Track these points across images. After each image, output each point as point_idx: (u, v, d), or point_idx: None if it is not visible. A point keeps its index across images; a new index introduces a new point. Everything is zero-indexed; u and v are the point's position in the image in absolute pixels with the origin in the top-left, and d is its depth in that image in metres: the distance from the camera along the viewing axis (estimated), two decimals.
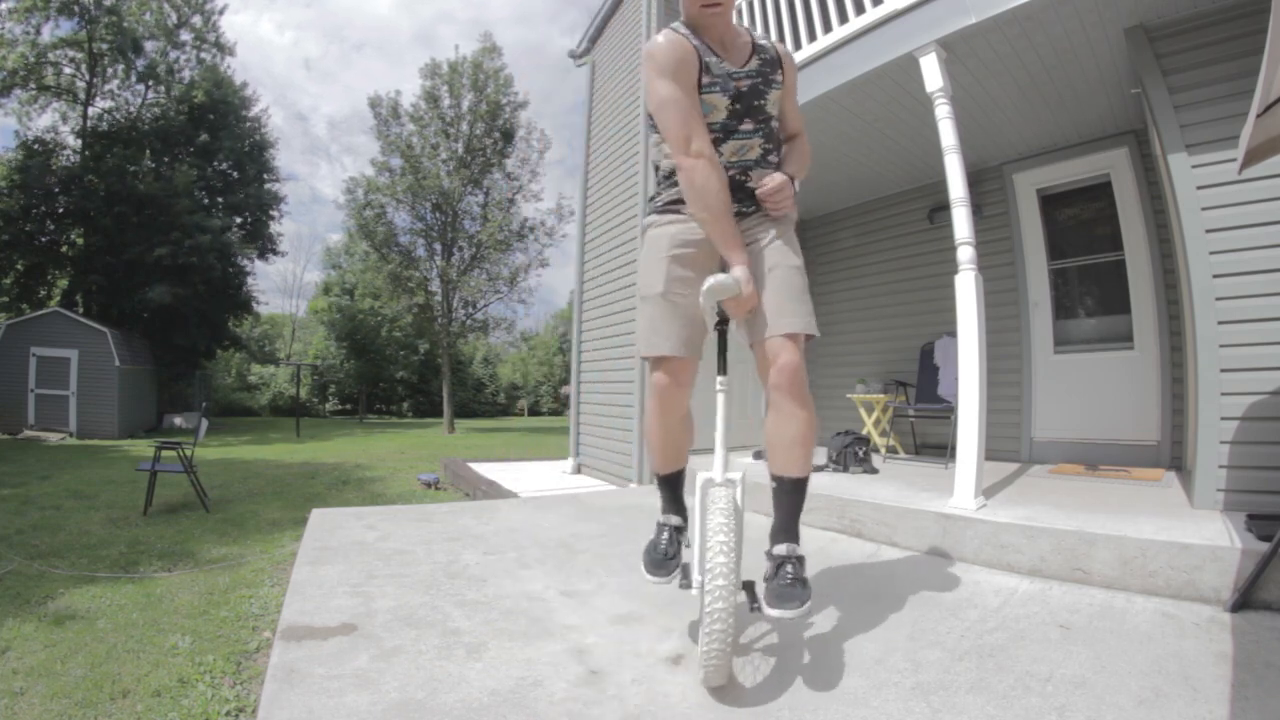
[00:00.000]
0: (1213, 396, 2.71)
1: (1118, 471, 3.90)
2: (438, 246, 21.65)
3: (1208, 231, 2.78)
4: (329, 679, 1.62)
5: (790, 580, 1.61)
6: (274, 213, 24.86)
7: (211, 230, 19.46)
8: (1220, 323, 2.72)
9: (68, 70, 18.85)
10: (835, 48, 3.95)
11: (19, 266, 18.68)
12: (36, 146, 18.50)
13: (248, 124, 23.42)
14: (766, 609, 1.58)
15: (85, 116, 19.24)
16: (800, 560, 1.67)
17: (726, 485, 1.61)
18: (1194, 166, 2.85)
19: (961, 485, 2.93)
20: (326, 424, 25.22)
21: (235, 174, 23.13)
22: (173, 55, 20.84)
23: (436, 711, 1.48)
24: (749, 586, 1.67)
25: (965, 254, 3.06)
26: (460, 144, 21.00)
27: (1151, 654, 1.73)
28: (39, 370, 14.17)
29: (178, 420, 17.28)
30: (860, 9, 3.84)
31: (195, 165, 20.50)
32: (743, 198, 1.83)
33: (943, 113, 3.24)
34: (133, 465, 8.11)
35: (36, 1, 17.12)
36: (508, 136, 21.74)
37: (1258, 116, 1.75)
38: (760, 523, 1.99)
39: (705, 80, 1.75)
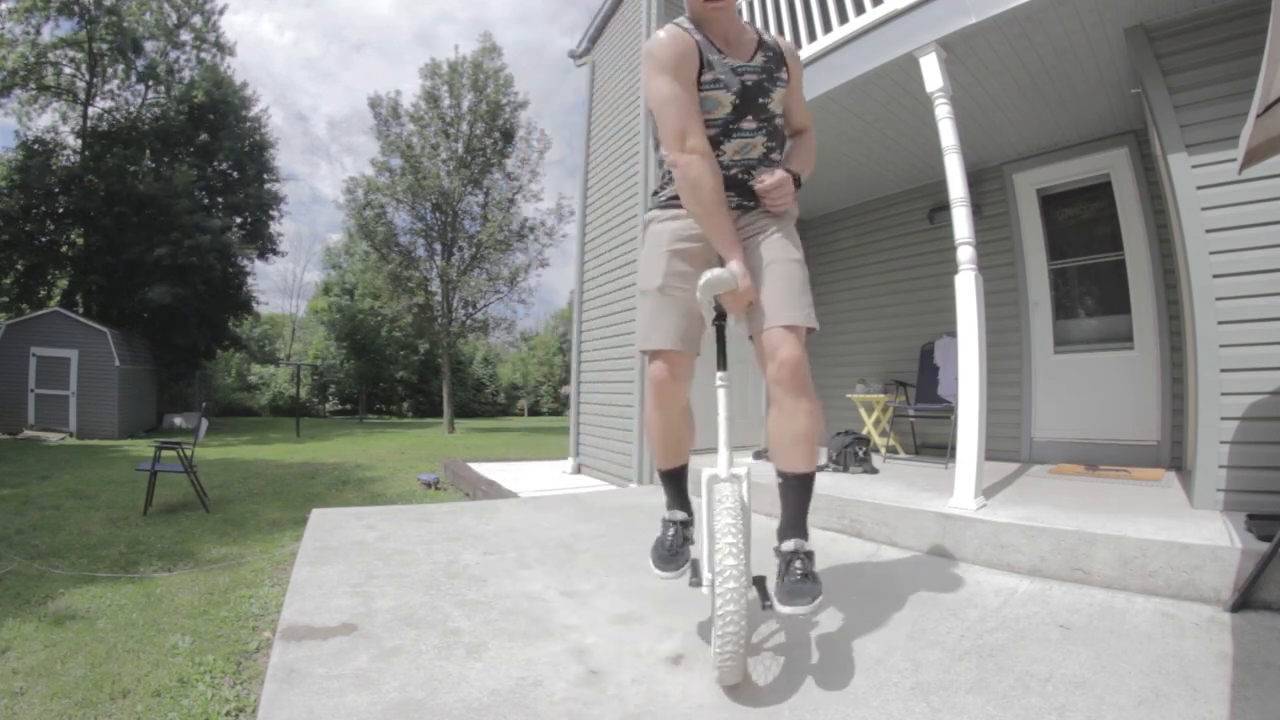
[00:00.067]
0: (1213, 396, 2.71)
1: (1118, 471, 3.90)
2: (438, 246, 21.65)
3: (1208, 231, 2.78)
4: (329, 679, 1.62)
5: (800, 576, 1.60)
6: (274, 213, 24.89)
7: (211, 230, 19.46)
8: (1220, 323, 2.72)
9: (68, 70, 18.85)
10: (835, 48, 3.95)
11: (19, 266, 18.68)
12: (36, 146, 18.51)
13: (248, 124, 23.42)
14: (778, 606, 1.58)
15: (85, 116, 19.25)
16: (809, 555, 1.66)
17: (732, 480, 1.61)
18: (1194, 166, 2.85)
19: (961, 485, 2.93)
20: (326, 424, 25.22)
21: (235, 174, 23.14)
22: (173, 55, 20.85)
23: (436, 711, 1.48)
24: (759, 582, 1.66)
25: (965, 254, 3.06)
26: (460, 144, 21.00)
27: (1151, 654, 1.73)
28: (39, 370, 14.17)
29: (178, 420, 17.28)
30: (860, 9, 3.84)
31: (195, 165, 20.51)
32: (745, 194, 1.83)
33: (943, 113, 3.24)
34: (133, 465, 8.11)
35: (36, 1, 17.12)
36: (508, 136, 21.74)
37: (1258, 116, 1.75)
38: (763, 523, 1.99)
39: (707, 77, 1.74)
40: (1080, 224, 4.79)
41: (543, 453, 11.29)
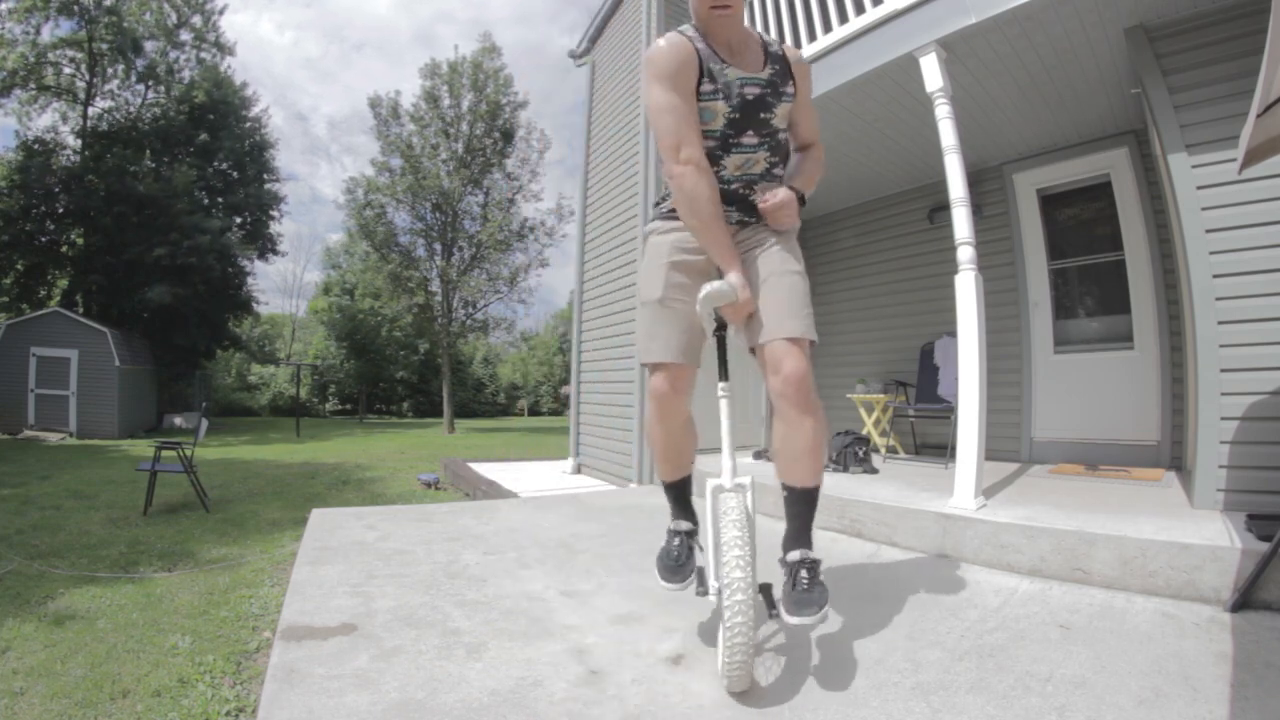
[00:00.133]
0: (1213, 396, 2.71)
1: (1118, 471, 3.90)
2: (438, 246, 21.68)
3: (1208, 231, 2.78)
4: (329, 679, 1.62)
5: (807, 586, 1.60)
6: (274, 213, 24.92)
7: (211, 230, 19.47)
8: (1220, 323, 2.72)
9: (68, 70, 18.88)
10: (835, 48, 3.95)
11: (19, 266, 18.70)
12: (36, 146, 18.52)
13: (248, 124, 23.44)
14: (785, 616, 1.57)
15: (85, 116, 19.26)
16: (814, 564, 1.65)
17: (737, 491, 1.60)
18: (1194, 166, 2.85)
19: (961, 485, 2.93)
20: (326, 424, 25.23)
21: (235, 174, 23.15)
22: (173, 55, 20.88)
23: (436, 711, 1.48)
24: (765, 590, 1.66)
25: (965, 254, 3.06)
26: (460, 144, 21.01)
27: (1151, 654, 1.73)
28: (39, 370, 14.17)
29: (178, 420, 17.29)
30: (860, 9, 3.84)
31: (195, 165, 20.52)
32: (746, 210, 1.81)
33: (943, 113, 3.24)
34: (133, 465, 8.12)
35: (36, 1, 17.13)
36: (508, 136, 21.75)
37: (1258, 116, 1.75)
38: (766, 526, 1.99)
39: (707, 87, 1.71)
40: (1080, 224, 4.79)
41: (543, 453, 11.29)
